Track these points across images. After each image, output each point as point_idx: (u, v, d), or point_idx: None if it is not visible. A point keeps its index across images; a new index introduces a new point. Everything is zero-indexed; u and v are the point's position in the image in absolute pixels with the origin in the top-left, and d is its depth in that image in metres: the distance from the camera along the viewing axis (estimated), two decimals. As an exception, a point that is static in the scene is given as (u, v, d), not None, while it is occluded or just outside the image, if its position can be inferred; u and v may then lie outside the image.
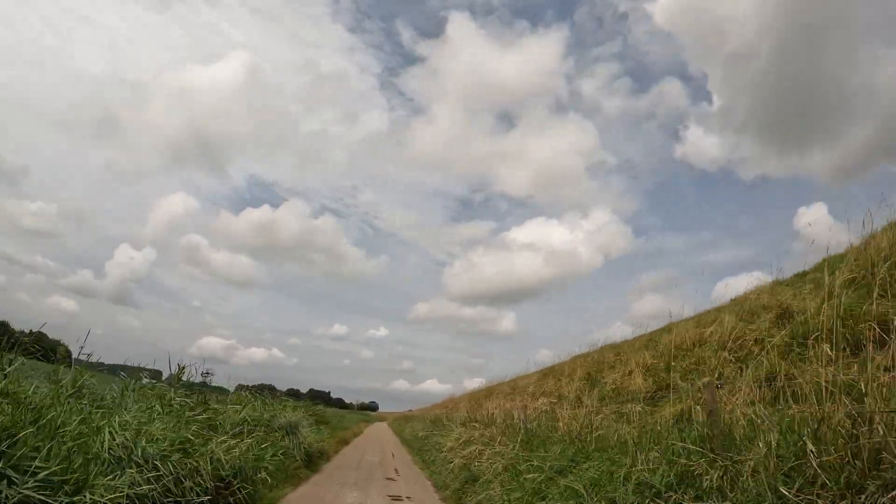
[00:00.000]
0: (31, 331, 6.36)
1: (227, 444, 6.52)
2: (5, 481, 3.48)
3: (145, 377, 8.86)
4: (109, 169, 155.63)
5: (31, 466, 3.63)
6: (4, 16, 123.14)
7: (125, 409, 5.94)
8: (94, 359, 7.30)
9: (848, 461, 2.82)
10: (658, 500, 3.86)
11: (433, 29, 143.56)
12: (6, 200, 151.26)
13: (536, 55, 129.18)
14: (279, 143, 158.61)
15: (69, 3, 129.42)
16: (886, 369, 3.37)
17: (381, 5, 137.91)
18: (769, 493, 3.09)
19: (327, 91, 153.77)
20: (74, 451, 4.12)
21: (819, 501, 2.79)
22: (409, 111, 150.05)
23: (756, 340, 7.99)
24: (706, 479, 3.65)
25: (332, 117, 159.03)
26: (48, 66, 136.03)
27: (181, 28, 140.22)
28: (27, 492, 3.47)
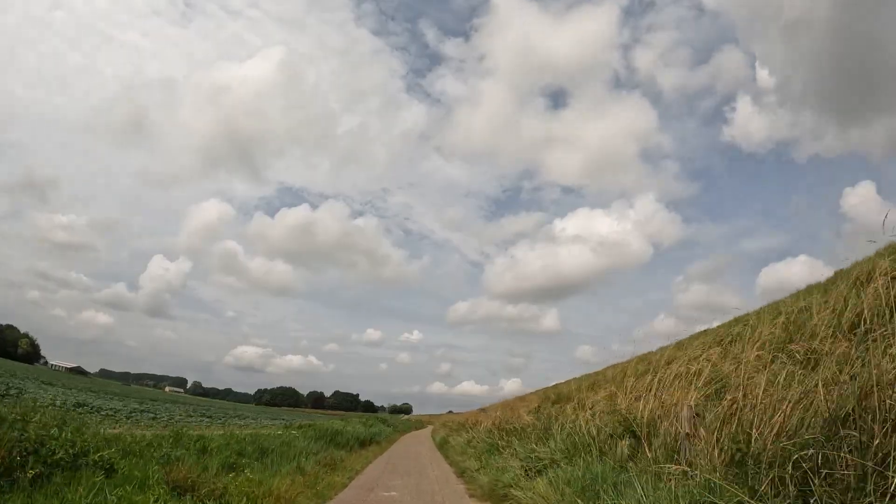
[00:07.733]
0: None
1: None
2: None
3: (168, 385, 9.47)
4: (139, 177, 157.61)
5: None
6: (25, 39, 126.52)
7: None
8: (121, 369, 7.92)
9: None
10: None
11: (475, 8, 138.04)
12: (37, 214, 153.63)
13: (592, 25, 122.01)
14: (311, 147, 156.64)
15: (91, 22, 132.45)
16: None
17: (408, 6, 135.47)
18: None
19: (358, 93, 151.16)
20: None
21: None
22: (446, 106, 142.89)
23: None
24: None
25: (364, 119, 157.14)
26: (73, 82, 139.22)
27: (205, 39, 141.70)
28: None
